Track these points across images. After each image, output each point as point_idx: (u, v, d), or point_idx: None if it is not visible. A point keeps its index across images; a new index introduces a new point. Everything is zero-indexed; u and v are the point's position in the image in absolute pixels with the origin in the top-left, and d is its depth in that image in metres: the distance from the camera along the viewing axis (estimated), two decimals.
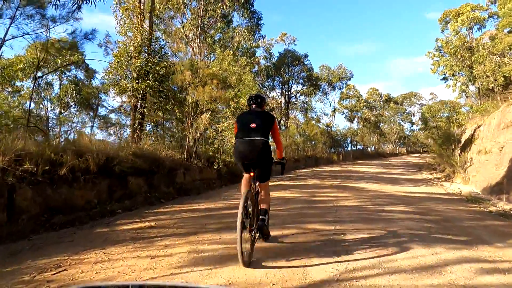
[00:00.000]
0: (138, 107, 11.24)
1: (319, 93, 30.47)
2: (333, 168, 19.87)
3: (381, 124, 40.53)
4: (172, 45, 15.47)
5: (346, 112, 33.99)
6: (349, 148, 34.20)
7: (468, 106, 24.75)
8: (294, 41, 25.43)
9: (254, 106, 3.85)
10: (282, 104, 25.20)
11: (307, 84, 25.77)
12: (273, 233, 4.10)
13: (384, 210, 6.55)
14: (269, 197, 3.82)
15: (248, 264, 3.15)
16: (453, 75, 24.43)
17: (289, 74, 24.26)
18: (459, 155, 15.08)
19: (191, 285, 1.25)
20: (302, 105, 27.15)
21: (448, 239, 4.49)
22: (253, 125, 3.52)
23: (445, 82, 27.09)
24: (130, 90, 10.87)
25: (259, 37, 17.21)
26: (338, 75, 30.07)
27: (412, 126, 48.48)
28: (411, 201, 8.05)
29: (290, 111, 26.76)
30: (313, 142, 26.69)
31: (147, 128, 13.53)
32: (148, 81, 10.78)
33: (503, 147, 11.87)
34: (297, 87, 26.17)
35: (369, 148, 38.45)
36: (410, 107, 49.00)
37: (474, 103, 21.90)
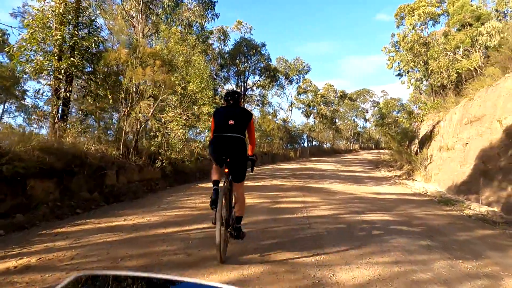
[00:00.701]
0: (62, 91, 9.03)
1: (276, 87, 29.36)
2: (292, 166, 18.76)
3: (336, 120, 40.59)
4: (111, 24, 13.17)
5: (303, 107, 33.28)
6: (306, 145, 33.60)
7: (421, 102, 25.11)
8: (250, 29, 23.68)
9: (231, 102, 3.73)
10: None
11: (264, 75, 24.11)
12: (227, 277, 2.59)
13: (364, 220, 5.30)
14: (244, 201, 3.70)
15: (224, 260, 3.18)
16: (408, 71, 24.58)
17: (245, 64, 22.46)
18: (420, 152, 14.66)
19: (198, 282, 1.13)
20: (259, 98, 25.58)
21: (463, 268, 3.33)
22: (231, 122, 3.46)
23: (399, 78, 27.29)
24: (47, 69, 8.65)
25: (212, 16, 15.20)
26: (295, 68, 28.94)
27: (365, 122, 49.52)
28: (385, 206, 6.98)
29: (246, 105, 25.12)
30: (269, 138, 25.44)
31: (77, 117, 11.25)
32: (72, 59, 8.64)
33: (467, 143, 11.42)
34: (254, 78, 24.44)
35: (325, 145, 38.22)
36: (363, 104, 50.06)
37: (428, 99, 22.05)
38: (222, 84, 21.89)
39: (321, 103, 33.92)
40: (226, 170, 3.41)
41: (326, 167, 17.92)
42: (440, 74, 19.61)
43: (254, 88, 25.16)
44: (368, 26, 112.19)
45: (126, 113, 9.24)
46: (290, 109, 31.80)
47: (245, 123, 3.57)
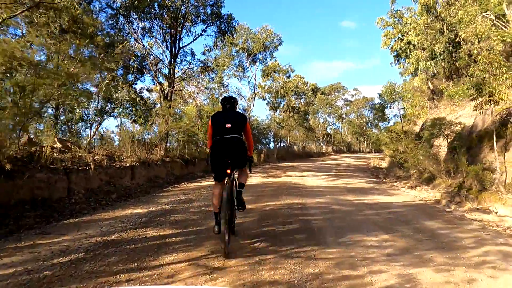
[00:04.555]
0: None
1: (235, 67, 21.54)
2: (256, 180, 11.01)
3: (309, 116, 33.42)
4: None
5: (269, 98, 25.69)
6: (272, 145, 26.11)
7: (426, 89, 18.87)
8: None
9: (228, 106, 3.95)
10: (166, 60, 13.28)
11: (211, 25, 13.47)
12: None
13: None
14: (248, 175, 4.08)
15: (228, 253, 3.38)
16: (411, 49, 18.12)
17: (178, 1, 12.25)
18: (503, 158, 7.73)
19: None
20: (201, 62, 14.57)
21: None
22: (228, 125, 3.68)
23: (397, 60, 20.93)
24: None
25: None
26: (261, 40, 21.32)
27: (341, 121, 42.95)
28: None
29: (184, 82, 16.12)
30: None
31: None
32: None
33: None
34: (196, 30, 13.84)
35: (295, 146, 30.78)
36: (336, 102, 43.98)
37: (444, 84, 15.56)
38: (141, 39, 12.95)
39: (293, 93, 26.55)
40: (229, 171, 3.62)
41: (314, 182, 10.56)
42: (476, 44, 13.15)
43: (193, 48, 16.19)
44: (333, 33, 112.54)
45: None
46: (253, 97, 24.11)
47: (241, 126, 3.80)
